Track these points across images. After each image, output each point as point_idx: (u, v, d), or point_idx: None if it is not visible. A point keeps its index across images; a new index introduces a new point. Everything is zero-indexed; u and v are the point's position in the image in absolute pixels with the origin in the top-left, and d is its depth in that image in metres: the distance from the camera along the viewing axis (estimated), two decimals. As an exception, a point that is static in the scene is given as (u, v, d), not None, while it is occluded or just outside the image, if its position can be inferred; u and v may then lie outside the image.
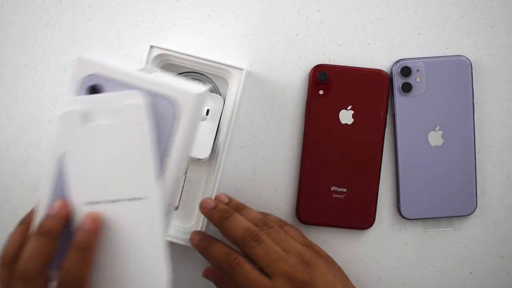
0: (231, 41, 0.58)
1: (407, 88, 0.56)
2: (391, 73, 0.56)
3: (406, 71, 0.56)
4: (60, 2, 0.58)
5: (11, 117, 0.59)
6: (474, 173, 0.56)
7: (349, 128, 0.56)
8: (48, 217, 0.43)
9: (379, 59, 0.58)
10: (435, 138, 0.56)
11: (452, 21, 0.58)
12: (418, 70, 0.56)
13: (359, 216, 0.57)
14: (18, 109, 0.59)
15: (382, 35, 0.58)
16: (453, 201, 0.56)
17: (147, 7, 0.58)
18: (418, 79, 0.56)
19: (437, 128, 0.56)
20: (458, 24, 0.58)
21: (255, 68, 0.58)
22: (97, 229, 0.43)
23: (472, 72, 0.56)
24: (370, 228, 0.57)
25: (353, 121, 0.56)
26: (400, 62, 0.56)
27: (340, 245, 0.58)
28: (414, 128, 0.56)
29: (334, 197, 0.56)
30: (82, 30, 0.58)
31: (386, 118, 0.56)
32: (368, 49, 0.58)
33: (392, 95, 0.56)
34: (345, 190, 0.56)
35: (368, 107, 0.56)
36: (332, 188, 0.56)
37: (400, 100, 0.56)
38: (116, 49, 0.58)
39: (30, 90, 0.58)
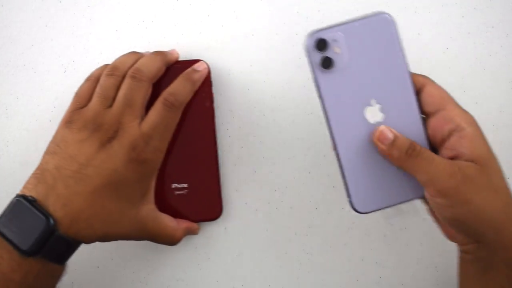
0: (231, 41, 0.58)
1: (327, 63, 0.47)
2: (306, 50, 0.47)
3: (321, 44, 0.47)
4: (60, 2, 0.58)
5: (11, 117, 0.59)
6: (426, 140, 0.48)
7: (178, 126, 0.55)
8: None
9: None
10: (373, 113, 0.48)
11: (452, 21, 0.58)
12: (335, 40, 0.47)
13: (207, 208, 0.57)
14: (18, 109, 0.59)
15: (382, 35, 0.58)
16: (411, 182, 0.48)
17: (147, 7, 0.58)
18: (337, 50, 0.47)
19: (373, 101, 0.48)
20: (458, 24, 0.58)
21: (255, 68, 0.58)
22: (207, 73, 0.55)
23: (397, 29, 0.48)
24: (370, 228, 0.57)
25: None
26: (313, 35, 0.47)
27: (339, 245, 0.58)
28: (347, 107, 0.48)
29: (176, 194, 0.57)
30: (82, 30, 0.58)
31: (213, 108, 0.56)
32: (368, 49, 0.58)
33: (314, 75, 0.48)
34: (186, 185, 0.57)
35: (192, 100, 0.55)
36: (173, 186, 0.57)
37: (322, 78, 0.47)
38: (116, 49, 0.58)
39: (30, 90, 0.58)
